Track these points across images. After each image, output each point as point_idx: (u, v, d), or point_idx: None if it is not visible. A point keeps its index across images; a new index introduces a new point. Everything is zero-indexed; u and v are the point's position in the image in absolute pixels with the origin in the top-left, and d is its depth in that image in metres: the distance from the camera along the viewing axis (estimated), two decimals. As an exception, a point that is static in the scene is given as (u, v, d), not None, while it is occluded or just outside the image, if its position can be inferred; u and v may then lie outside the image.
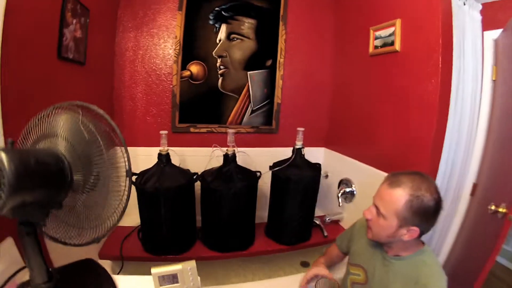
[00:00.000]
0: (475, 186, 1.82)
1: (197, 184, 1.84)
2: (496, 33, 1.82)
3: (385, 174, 1.82)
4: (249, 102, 2.26)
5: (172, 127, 2.15)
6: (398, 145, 1.84)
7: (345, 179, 2.22)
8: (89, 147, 0.90)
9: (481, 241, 1.76)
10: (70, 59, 1.49)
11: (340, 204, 2.12)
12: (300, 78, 2.44)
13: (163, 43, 2.10)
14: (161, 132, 1.74)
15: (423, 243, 1.21)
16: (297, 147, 1.91)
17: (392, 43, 1.79)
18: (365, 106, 2.13)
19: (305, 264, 2.17)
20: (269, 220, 2.09)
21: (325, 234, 2.09)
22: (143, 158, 1.96)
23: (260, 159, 2.12)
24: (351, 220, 2.17)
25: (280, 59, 2.30)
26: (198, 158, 2.12)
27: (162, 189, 1.63)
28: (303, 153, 1.92)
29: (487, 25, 1.90)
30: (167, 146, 1.76)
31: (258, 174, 1.87)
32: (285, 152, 1.97)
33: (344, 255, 1.57)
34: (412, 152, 1.75)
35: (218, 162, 1.93)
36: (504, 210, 1.47)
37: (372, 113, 2.06)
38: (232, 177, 1.75)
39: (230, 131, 1.81)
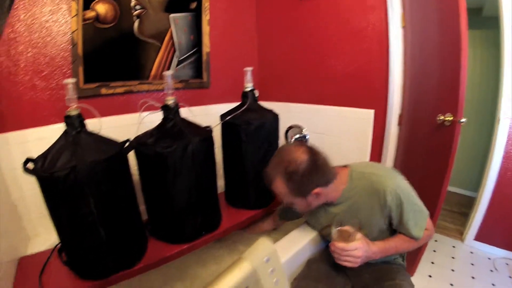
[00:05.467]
0: (401, 117, 1.75)
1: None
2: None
3: (337, 108, 1.73)
4: (174, 50, 1.69)
5: (76, 91, 1.42)
6: (350, 76, 1.68)
7: (293, 125, 1.89)
8: None
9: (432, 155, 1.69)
10: None
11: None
12: (227, 25, 1.97)
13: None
14: (66, 81, 1.03)
15: (344, 166, 1.17)
16: (248, 89, 1.45)
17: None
18: (306, 49, 1.87)
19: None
20: (228, 186, 1.60)
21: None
22: (36, 144, 1.25)
23: (195, 120, 1.59)
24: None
25: (205, 2, 1.77)
26: (118, 130, 1.44)
27: (84, 168, 0.93)
28: (256, 96, 1.49)
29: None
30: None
31: (208, 128, 1.36)
32: (221, 110, 1.51)
33: (277, 226, 1.62)
34: (367, 79, 1.64)
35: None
36: (451, 118, 1.47)
37: (314, 54, 1.83)
38: (183, 132, 1.18)
39: (167, 73, 1.22)
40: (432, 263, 2.13)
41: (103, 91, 1.49)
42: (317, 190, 1.04)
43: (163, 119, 1.24)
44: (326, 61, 1.75)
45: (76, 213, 0.97)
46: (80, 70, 1.41)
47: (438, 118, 1.51)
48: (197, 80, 1.84)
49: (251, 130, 1.38)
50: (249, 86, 1.45)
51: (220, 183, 1.57)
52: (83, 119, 1.07)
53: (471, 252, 2.29)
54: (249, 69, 1.44)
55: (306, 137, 1.81)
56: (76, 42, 1.39)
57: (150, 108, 1.32)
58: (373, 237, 1.08)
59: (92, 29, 1.43)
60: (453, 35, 1.44)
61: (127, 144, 1.16)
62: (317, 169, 1.03)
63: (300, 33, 1.87)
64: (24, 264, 1.18)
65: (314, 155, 1.04)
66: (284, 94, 2.02)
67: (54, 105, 1.40)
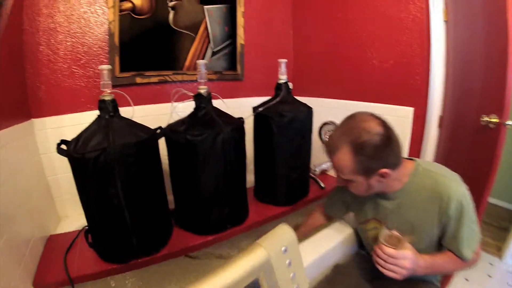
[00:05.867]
0: (441, 119, 1.64)
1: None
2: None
3: (374, 105, 1.61)
4: (209, 41, 1.67)
5: (111, 79, 1.43)
6: (388, 71, 1.58)
7: (327, 122, 1.81)
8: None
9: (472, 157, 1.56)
10: None
11: (330, 149, 1.71)
12: (262, 19, 1.93)
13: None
14: (101, 67, 1.04)
15: (410, 159, 1.03)
16: (282, 81, 1.39)
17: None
18: (342, 42, 1.78)
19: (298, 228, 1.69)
20: (257, 181, 1.54)
21: (322, 185, 1.64)
22: (72, 129, 1.25)
23: (227, 111, 1.56)
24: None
25: (241, -6, 1.75)
26: (151, 119, 1.43)
27: (114, 150, 0.93)
28: (290, 88, 1.43)
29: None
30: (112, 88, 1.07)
31: (241, 119, 1.30)
32: (254, 103, 1.47)
33: (330, 219, 1.40)
34: (406, 75, 1.52)
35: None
36: (496, 120, 1.33)
37: (351, 47, 1.74)
38: (215, 121, 1.15)
39: (201, 62, 1.20)
40: (466, 280, 1.96)
41: (138, 80, 1.50)
42: (384, 170, 0.90)
43: (195, 107, 1.21)
44: (363, 54, 1.65)
45: (103, 195, 0.98)
46: (116, 59, 1.42)
47: (481, 119, 1.38)
48: (231, 72, 1.81)
49: (284, 123, 1.32)
50: (283, 78, 1.40)
51: (250, 178, 1.54)
52: (117, 104, 1.08)
53: (510, 272, 2.08)
54: (283, 60, 1.40)
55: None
56: (113, 32, 1.40)
57: (183, 97, 1.31)
58: (420, 248, 0.92)
59: (128, 20, 1.44)
60: (500, 30, 1.32)
61: (158, 130, 1.16)
62: (390, 146, 0.89)
63: (336, 25, 1.79)
64: (52, 242, 1.21)
65: (389, 129, 0.90)
66: (319, 89, 1.94)
67: (90, 92, 1.42)
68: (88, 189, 0.99)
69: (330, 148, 0.95)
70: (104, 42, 1.42)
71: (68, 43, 1.35)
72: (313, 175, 1.71)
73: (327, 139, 1.00)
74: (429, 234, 0.96)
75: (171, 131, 1.15)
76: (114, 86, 1.43)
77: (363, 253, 1.28)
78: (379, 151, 0.87)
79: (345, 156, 0.90)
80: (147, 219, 1.08)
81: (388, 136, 0.88)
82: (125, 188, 0.98)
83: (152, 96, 1.55)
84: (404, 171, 0.97)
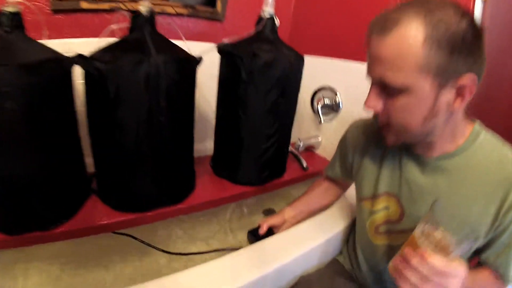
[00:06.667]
0: None
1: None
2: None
3: None
4: (183, -34, 1.27)
5: (51, 1, 1.08)
6: None
7: (323, 87, 1.39)
8: None
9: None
10: None
11: (322, 121, 1.31)
12: None
13: None
14: None
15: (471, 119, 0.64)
16: (266, 15, 0.99)
17: None
18: None
19: (269, 212, 1.31)
20: (217, 147, 1.14)
21: (305, 165, 1.25)
22: None
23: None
24: (331, 145, 1.32)
25: None
26: None
27: None
28: (276, 26, 1.03)
29: None
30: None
31: (198, 58, 0.92)
32: None
33: (342, 185, 0.99)
34: None
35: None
36: None
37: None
38: (144, 47, 0.78)
39: None
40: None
41: (84, 4, 1.13)
42: (470, 77, 0.50)
43: (130, 29, 0.86)
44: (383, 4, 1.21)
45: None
46: (59, -26, 1.08)
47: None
48: (208, 8, 1.38)
49: (257, 67, 0.92)
50: (267, 11, 1.00)
51: (210, 144, 1.17)
52: (21, 20, 0.77)
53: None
54: (272, -13, 1.00)
55: (339, 105, 1.30)
56: None
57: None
58: None
59: None
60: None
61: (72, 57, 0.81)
62: (481, 40, 0.51)
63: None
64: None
65: (473, 18, 0.51)
66: (323, 45, 1.48)
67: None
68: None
69: (382, 22, 0.52)
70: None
71: None
72: (295, 151, 1.31)
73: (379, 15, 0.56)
74: (472, 237, 0.60)
75: (81, 57, 0.79)
76: (55, 12, 1.13)
77: (340, 262, 0.89)
78: (467, 40, 0.48)
79: (412, 37, 0.48)
80: (43, 168, 0.74)
81: (474, 25, 0.50)
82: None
83: (100, 27, 1.18)
84: (461, 127, 0.61)
